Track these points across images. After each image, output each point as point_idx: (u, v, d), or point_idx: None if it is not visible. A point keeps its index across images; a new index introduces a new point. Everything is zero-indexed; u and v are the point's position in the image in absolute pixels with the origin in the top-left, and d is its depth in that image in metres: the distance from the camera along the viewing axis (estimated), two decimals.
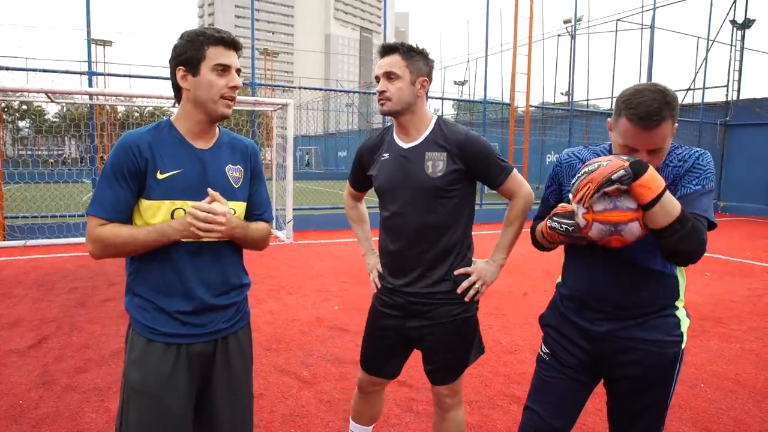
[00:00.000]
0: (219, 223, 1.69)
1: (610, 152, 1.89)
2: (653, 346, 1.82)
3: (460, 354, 2.31)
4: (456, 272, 2.25)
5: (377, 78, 2.22)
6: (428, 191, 2.17)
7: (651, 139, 1.66)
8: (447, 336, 2.26)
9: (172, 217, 1.74)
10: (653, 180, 1.58)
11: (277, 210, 10.84)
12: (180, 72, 1.75)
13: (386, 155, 2.29)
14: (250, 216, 1.99)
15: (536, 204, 2.13)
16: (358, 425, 2.69)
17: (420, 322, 2.27)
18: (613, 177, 1.57)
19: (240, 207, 1.89)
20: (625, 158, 1.60)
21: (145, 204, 1.74)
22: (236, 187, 1.86)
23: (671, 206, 1.60)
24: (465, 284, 2.25)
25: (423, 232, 2.21)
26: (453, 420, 2.40)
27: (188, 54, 1.73)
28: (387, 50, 2.20)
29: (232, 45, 1.76)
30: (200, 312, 1.79)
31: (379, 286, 2.42)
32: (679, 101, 1.76)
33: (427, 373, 2.37)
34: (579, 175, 1.67)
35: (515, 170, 2.27)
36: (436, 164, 2.17)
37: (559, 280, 2.08)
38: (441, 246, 2.22)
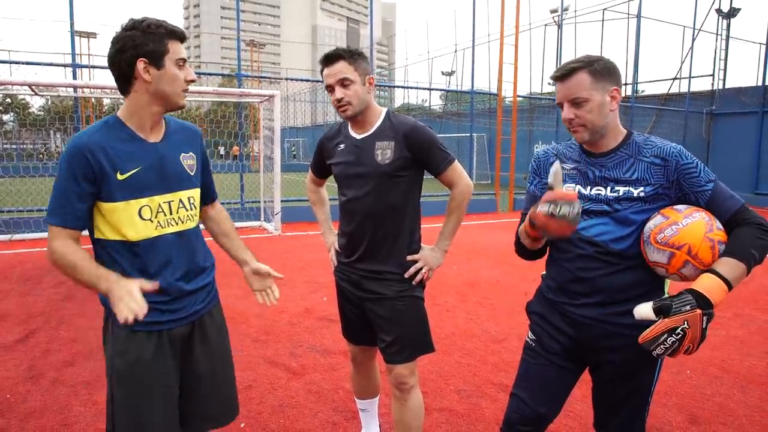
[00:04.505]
0: None
1: (581, 147, 1.91)
2: (637, 332, 1.82)
3: (414, 329, 2.44)
4: (407, 258, 2.44)
5: (330, 87, 2.32)
6: (378, 177, 2.35)
7: (567, 89, 1.79)
8: (396, 310, 2.41)
9: (139, 215, 1.75)
10: (716, 293, 1.60)
11: (265, 202, 10.82)
12: (141, 64, 1.70)
13: (342, 146, 2.47)
14: (207, 198, 2.08)
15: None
16: (362, 400, 2.89)
17: (370, 295, 2.45)
18: (675, 333, 1.58)
19: (197, 193, 1.95)
20: (688, 308, 1.58)
21: (107, 207, 1.73)
22: (192, 174, 1.91)
23: (737, 271, 1.64)
24: (412, 270, 2.44)
25: (374, 214, 2.39)
26: (413, 406, 2.47)
27: (151, 47, 1.70)
28: (332, 58, 2.30)
29: (185, 39, 1.80)
30: (178, 299, 1.86)
31: (335, 263, 2.61)
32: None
33: (385, 354, 2.45)
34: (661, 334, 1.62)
35: (456, 162, 2.44)
36: (385, 152, 2.35)
37: (545, 272, 2.10)
38: (390, 227, 2.41)
